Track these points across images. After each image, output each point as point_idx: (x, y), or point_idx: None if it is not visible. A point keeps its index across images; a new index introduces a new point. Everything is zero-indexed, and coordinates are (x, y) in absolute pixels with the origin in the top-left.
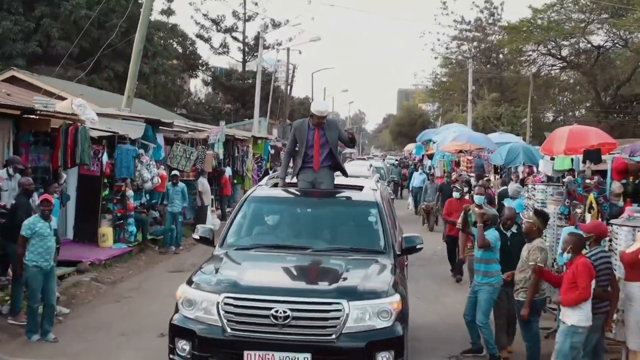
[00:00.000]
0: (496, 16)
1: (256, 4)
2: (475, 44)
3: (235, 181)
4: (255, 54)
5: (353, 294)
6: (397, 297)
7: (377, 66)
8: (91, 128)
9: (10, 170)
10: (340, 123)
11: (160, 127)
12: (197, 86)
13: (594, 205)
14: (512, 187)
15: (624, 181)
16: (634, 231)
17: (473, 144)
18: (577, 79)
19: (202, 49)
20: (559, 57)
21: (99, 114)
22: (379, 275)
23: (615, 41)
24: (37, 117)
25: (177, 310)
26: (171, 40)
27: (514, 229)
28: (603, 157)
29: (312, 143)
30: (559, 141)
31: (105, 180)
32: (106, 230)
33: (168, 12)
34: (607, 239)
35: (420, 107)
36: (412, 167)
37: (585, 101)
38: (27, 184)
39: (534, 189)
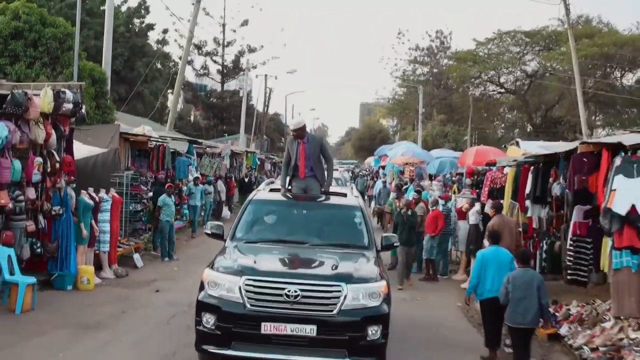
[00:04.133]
0: (446, 44)
1: (234, 31)
2: (427, 68)
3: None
4: (233, 75)
5: (350, 278)
6: (384, 283)
7: (340, 80)
8: None
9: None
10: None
11: (194, 144)
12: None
13: (456, 190)
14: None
15: (472, 178)
16: (461, 200)
17: (416, 158)
18: (512, 103)
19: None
20: (497, 83)
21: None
22: (367, 265)
23: (546, 71)
24: (133, 139)
25: (201, 290)
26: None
27: (409, 212)
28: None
29: (298, 155)
30: (469, 156)
31: (169, 180)
32: None
33: (163, 42)
34: (454, 202)
35: (381, 123)
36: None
37: (521, 122)
38: (162, 180)
39: (432, 184)
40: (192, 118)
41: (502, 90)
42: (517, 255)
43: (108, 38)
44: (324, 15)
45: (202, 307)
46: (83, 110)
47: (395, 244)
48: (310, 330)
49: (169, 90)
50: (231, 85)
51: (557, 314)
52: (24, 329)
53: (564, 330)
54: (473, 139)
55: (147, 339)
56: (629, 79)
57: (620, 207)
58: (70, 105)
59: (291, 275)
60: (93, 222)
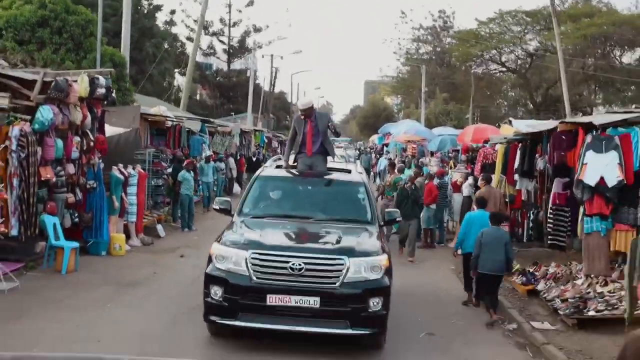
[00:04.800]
0: (449, 24)
1: (240, 11)
2: (431, 47)
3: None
4: (239, 55)
5: (352, 252)
6: (385, 256)
7: (345, 59)
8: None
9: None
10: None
11: (206, 123)
12: (179, 81)
13: (452, 165)
14: (421, 160)
15: (467, 154)
16: (456, 174)
17: (419, 136)
18: (514, 81)
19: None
20: (499, 62)
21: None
22: (369, 240)
23: (547, 50)
24: (152, 119)
25: (209, 263)
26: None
27: (412, 186)
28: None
29: (306, 132)
30: (468, 134)
31: (185, 157)
32: None
33: (170, 23)
34: (450, 176)
35: (385, 101)
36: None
37: (523, 100)
38: (180, 157)
39: (431, 160)
40: (198, 97)
41: (504, 69)
42: (490, 215)
43: (126, 25)
44: None
45: (210, 279)
46: (113, 94)
47: (397, 219)
48: (313, 302)
49: (176, 70)
50: (237, 64)
51: (536, 273)
52: (71, 286)
53: (540, 286)
54: (475, 117)
55: (178, 295)
56: (629, 58)
57: (590, 178)
58: (103, 90)
59: (296, 249)
60: (123, 194)
